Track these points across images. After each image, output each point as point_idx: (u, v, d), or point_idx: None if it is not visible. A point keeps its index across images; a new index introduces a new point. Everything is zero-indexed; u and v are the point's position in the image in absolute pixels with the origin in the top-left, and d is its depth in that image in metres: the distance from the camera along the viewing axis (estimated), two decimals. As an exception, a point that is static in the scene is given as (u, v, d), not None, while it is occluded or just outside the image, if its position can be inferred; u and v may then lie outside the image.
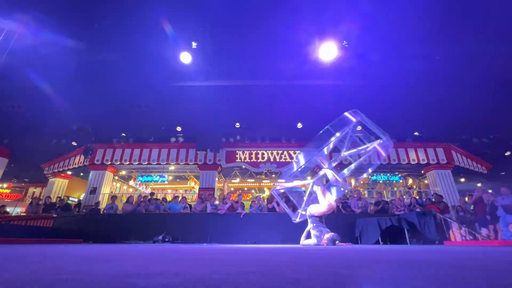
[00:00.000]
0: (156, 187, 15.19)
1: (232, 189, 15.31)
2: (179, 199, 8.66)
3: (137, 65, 7.22)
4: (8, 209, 9.58)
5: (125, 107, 9.20)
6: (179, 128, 10.88)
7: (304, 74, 7.80)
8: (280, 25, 6.27)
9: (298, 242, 5.34)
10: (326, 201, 5.01)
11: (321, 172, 5.18)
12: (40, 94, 7.83)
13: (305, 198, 5.48)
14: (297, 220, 5.47)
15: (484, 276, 0.95)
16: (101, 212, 8.46)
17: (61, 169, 12.67)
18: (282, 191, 6.19)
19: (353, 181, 11.31)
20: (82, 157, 11.40)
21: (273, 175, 13.47)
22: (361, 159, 4.99)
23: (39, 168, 13.42)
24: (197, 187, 13.26)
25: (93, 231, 7.02)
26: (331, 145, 4.89)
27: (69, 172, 13.13)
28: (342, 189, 5.08)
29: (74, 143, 11.54)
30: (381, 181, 12.82)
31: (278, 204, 7.25)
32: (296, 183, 5.74)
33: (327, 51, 6.79)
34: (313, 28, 6.35)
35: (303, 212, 5.38)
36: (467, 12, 5.74)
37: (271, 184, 14.58)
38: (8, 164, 12.14)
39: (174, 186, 15.89)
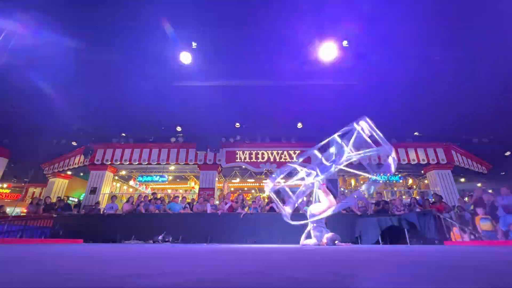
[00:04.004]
0: (156, 187, 15.19)
1: (232, 189, 15.29)
2: (179, 199, 8.66)
3: (137, 65, 7.21)
4: (7, 210, 9.57)
5: (125, 107, 9.19)
6: (179, 128, 10.87)
7: (304, 74, 7.79)
8: (280, 25, 6.27)
9: (298, 242, 5.33)
10: (327, 201, 5.00)
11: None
12: (40, 94, 7.83)
13: (305, 198, 5.47)
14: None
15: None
16: (101, 212, 8.46)
17: (61, 169, 12.66)
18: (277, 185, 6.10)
19: (353, 181, 11.31)
20: (82, 157, 11.40)
21: (273, 175, 13.45)
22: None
23: (39, 168, 13.40)
24: (197, 187, 13.25)
25: (93, 231, 7.00)
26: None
27: (69, 172, 13.12)
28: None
29: (74, 143, 11.53)
30: (381, 181, 12.80)
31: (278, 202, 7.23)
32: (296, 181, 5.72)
33: (327, 51, 6.79)
34: (313, 27, 6.35)
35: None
36: (468, 13, 5.74)
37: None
38: (8, 164, 12.13)
39: (174, 186, 15.88)
